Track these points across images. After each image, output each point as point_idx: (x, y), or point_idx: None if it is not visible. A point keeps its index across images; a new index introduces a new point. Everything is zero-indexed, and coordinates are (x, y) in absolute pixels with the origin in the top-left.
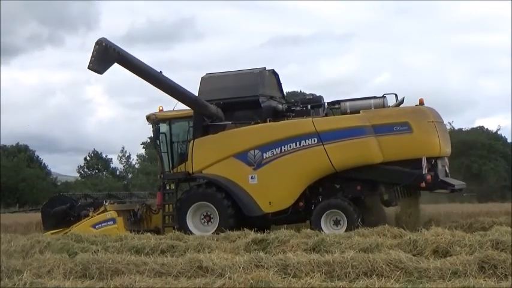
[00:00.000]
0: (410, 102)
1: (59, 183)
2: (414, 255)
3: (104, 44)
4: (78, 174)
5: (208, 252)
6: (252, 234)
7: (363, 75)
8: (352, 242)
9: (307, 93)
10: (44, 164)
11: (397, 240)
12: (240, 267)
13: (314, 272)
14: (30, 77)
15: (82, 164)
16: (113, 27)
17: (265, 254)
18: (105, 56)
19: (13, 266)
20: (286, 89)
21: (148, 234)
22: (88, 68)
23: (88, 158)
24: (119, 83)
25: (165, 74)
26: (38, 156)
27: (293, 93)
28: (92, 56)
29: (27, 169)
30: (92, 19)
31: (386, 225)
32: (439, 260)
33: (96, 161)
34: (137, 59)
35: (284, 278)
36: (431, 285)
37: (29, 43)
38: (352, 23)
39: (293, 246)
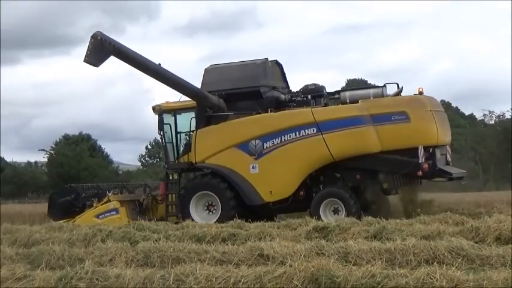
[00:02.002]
0: (467, 90)
1: (120, 172)
2: (476, 243)
3: (99, 37)
4: (139, 163)
5: (270, 240)
6: (313, 222)
7: (422, 62)
8: (414, 230)
9: (368, 81)
10: (106, 153)
11: (459, 227)
12: (301, 255)
13: (375, 260)
14: (92, 67)
15: (143, 153)
16: (173, 16)
17: (326, 241)
18: (101, 49)
19: (75, 254)
20: (347, 76)
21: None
22: (84, 61)
23: (149, 147)
24: (179, 72)
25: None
26: (100, 146)
27: (353, 81)
28: (88, 50)
29: (90, 158)
30: (153, 9)
31: (448, 212)
32: (501, 247)
33: (158, 150)
34: (134, 51)
35: (345, 265)
36: (494, 272)
37: (91, 33)
38: (411, 11)
39: (354, 234)
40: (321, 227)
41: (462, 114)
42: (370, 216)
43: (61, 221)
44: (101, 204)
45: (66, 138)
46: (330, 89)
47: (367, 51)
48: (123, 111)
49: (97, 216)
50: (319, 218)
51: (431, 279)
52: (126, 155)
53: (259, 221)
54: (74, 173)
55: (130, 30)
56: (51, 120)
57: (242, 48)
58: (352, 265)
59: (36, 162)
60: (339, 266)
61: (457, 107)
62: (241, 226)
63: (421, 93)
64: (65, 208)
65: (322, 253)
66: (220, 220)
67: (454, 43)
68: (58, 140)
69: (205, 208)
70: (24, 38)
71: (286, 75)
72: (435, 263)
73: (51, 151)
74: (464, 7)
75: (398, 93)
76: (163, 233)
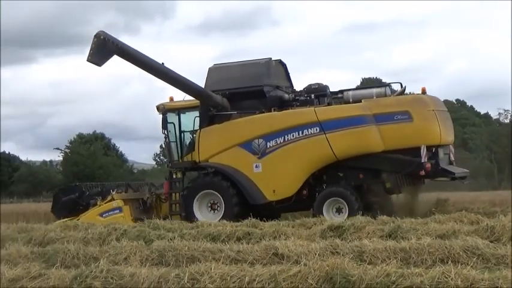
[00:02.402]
0: (482, 89)
1: (135, 171)
2: (491, 242)
3: (102, 37)
4: (154, 162)
5: (284, 239)
6: (328, 221)
7: (437, 61)
8: (429, 229)
9: (383, 79)
10: (121, 151)
11: (474, 226)
12: (315, 254)
13: (390, 259)
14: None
15: (158, 152)
16: (188, 16)
17: (341, 240)
18: (104, 48)
19: (90, 253)
20: (362, 75)
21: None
22: (87, 60)
23: (164, 146)
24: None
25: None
26: (115, 144)
27: (368, 80)
28: (91, 49)
29: (104, 157)
30: (168, 8)
31: (464, 211)
32: None
33: None
34: (137, 51)
35: (360, 264)
36: (509, 272)
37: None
38: (426, 9)
39: (369, 233)
40: (335, 226)
41: (477, 113)
42: (385, 216)
43: (65, 219)
44: (105, 203)
45: (81, 137)
46: (344, 88)
47: (382, 50)
48: (138, 110)
49: (101, 215)
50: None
51: (446, 278)
52: (141, 154)
53: (274, 220)
54: (88, 171)
55: (145, 29)
56: (66, 119)
57: (257, 47)
58: (367, 264)
59: (51, 161)
60: (353, 265)
61: (472, 106)
62: (256, 225)
63: (423, 92)
64: (69, 206)
65: (337, 252)
66: (224, 218)
67: (469, 41)
68: (72, 139)
69: (209, 207)
70: (39, 37)
71: (290, 74)
72: (450, 262)
73: (66, 150)
74: (480, 5)
75: (401, 93)
76: (178, 232)
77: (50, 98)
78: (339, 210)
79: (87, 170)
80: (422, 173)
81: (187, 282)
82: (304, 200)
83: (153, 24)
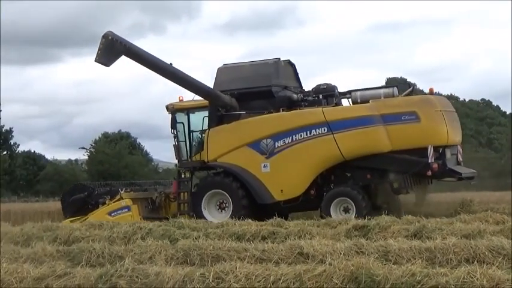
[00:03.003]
0: (508, 88)
1: (160, 170)
2: None
3: (110, 37)
4: None
5: (309, 239)
6: (353, 221)
7: (463, 61)
8: (454, 229)
9: (407, 79)
10: (146, 150)
11: (500, 226)
12: (340, 254)
13: (415, 259)
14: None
15: None
16: (214, 15)
17: (366, 240)
18: (112, 49)
19: (115, 252)
20: (387, 74)
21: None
22: (95, 60)
23: None
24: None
25: None
26: (140, 143)
27: (393, 79)
28: (99, 49)
29: (129, 156)
30: (194, 7)
31: (489, 211)
32: None
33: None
34: (145, 51)
35: (385, 264)
36: None
37: (131, 31)
38: (452, 9)
39: (394, 233)
40: (360, 225)
41: (503, 113)
42: (410, 215)
43: (73, 218)
44: (113, 202)
45: (106, 136)
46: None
47: (407, 50)
48: (162, 109)
49: (109, 214)
50: (329, 216)
51: (472, 278)
52: (165, 153)
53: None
54: (114, 170)
55: (171, 28)
56: (91, 118)
57: (282, 46)
58: (392, 264)
59: (76, 160)
60: (378, 265)
61: (498, 106)
62: (281, 224)
63: (431, 93)
64: (78, 205)
65: (362, 252)
66: (232, 217)
67: (495, 41)
68: (97, 138)
69: (217, 206)
70: (65, 37)
71: (299, 75)
72: (475, 262)
73: (91, 149)
74: (507, 5)
75: (409, 93)
76: (203, 231)
77: (75, 97)
78: (346, 210)
79: (113, 168)
80: (429, 173)
81: (212, 281)
82: (312, 200)
83: (179, 23)
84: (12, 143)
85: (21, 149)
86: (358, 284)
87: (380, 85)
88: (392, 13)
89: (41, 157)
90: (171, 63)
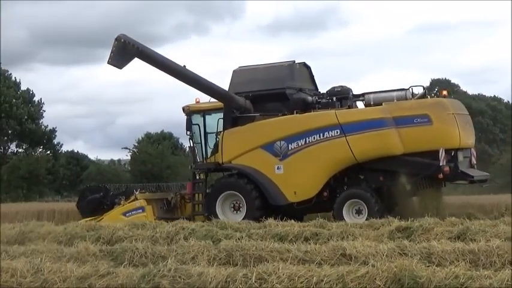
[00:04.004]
0: None
1: None
2: None
3: (122, 40)
4: None
5: (352, 240)
6: (395, 222)
7: (508, 63)
8: (498, 231)
9: (451, 80)
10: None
11: None
12: (383, 255)
13: (458, 261)
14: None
15: None
16: (258, 15)
17: (409, 242)
18: (124, 51)
19: (158, 252)
20: (431, 76)
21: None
22: (107, 63)
23: None
24: None
25: (308, 62)
26: (182, 144)
27: (437, 81)
28: (111, 52)
29: (172, 156)
30: (237, 8)
31: None
32: None
33: None
34: (158, 53)
35: (428, 266)
36: None
37: (175, 32)
38: (498, 10)
39: (437, 235)
40: (403, 227)
41: None
42: (453, 217)
43: (89, 218)
44: (128, 203)
45: (148, 136)
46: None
47: (453, 51)
48: None
49: (124, 214)
50: (342, 218)
51: None
52: None
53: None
54: (156, 171)
55: (214, 29)
56: (134, 119)
57: (325, 47)
58: (435, 266)
59: (119, 160)
60: (421, 267)
61: None
62: (324, 225)
63: (444, 96)
64: (94, 205)
65: (404, 253)
66: (245, 219)
67: None
68: (140, 138)
69: (232, 208)
70: (110, 37)
71: (314, 77)
72: None
73: (134, 149)
74: None
75: (422, 96)
76: (245, 232)
77: (119, 98)
78: (358, 212)
79: (155, 169)
80: (441, 176)
81: (255, 282)
82: (325, 202)
83: (222, 24)
84: (55, 143)
85: (64, 148)
86: (401, 286)
87: (425, 86)
88: (438, 14)
89: (84, 157)
90: (184, 66)
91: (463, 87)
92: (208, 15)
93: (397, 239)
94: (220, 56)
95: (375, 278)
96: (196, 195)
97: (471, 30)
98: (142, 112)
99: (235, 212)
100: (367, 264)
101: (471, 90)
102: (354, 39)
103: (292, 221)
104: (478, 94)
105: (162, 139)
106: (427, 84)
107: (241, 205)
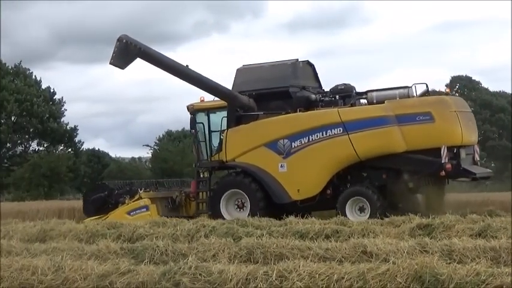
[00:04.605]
0: None
1: None
2: None
3: (124, 40)
4: None
5: (373, 237)
6: (416, 219)
7: None
8: None
9: (472, 77)
10: None
11: None
12: (404, 252)
13: (480, 258)
14: (195, 64)
15: None
16: (279, 13)
17: (430, 239)
18: (126, 52)
19: (179, 249)
20: (452, 73)
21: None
22: (110, 63)
23: None
24: None
25: (329, 59)
26: None
27: (457, 78)
28: (113, 52)
29: (192, 154)
30: (257, 6)
31: None
32: None
33: None
34: (160, 53)
35: (449, 263)
36: None
37: (195, 30)
38: None
39: (458, 232)
40: (424, 224)
41: None
42: (474, 214)
43: (94, 217)
44: (133, 201)
45: (169, 134)
46: (433, 86)
47: (474, 48)
48: None
49: (128, 213)
50: (345, 216)
51: None
52: None
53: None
54: (177, 168)
55: (234, 27)
56: (155, 117)
57: (346, 45)
58: (456, 263)
59: (140, 158)
60: (443, 264)
61: None
62: (345, 223)
63: (447, 93)
64: (98, 204)
65: (425, 251)
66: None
67: None
68: (161, 136)
69: (236, 206)
70: (131, 36)
71: (318, 75)
72: None
73: (155, 147)
74: None
75: (424, 94)
76: (266, 229)
77: (140, 96)
78: (361, 209)
79: (176, 166)
80: (443, 173)
81: (276, 279)
82: (328, 200)
83: (242, 22)
84: (76, 141)
85: (85, 146)
86: (422, 283)
87: (444, 84)
88: (459, 11)
89: (105, 155)
90: (187, 65)
91: (484, 84)
92: (229, 14)
93: (418, 236)
94: (241, 55)
95: (396, 275)
96: (201, 193)
97: (491, 28)
98: (163, 110)
99: (239, 210)
100: (388, 262)
101: (492, 88)
102: (374, 36)
103: (313, 218)
104: (500, 91)
105: (183, 137)
106: (447, 81)
107: (245, 203)
